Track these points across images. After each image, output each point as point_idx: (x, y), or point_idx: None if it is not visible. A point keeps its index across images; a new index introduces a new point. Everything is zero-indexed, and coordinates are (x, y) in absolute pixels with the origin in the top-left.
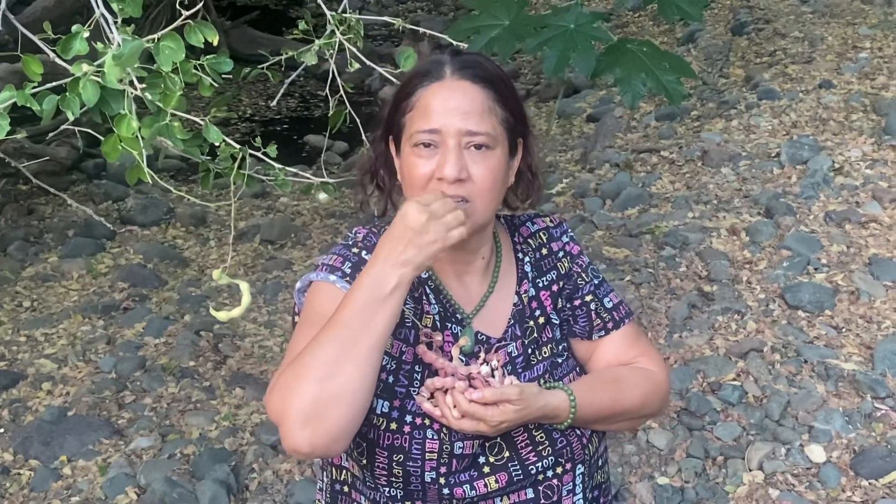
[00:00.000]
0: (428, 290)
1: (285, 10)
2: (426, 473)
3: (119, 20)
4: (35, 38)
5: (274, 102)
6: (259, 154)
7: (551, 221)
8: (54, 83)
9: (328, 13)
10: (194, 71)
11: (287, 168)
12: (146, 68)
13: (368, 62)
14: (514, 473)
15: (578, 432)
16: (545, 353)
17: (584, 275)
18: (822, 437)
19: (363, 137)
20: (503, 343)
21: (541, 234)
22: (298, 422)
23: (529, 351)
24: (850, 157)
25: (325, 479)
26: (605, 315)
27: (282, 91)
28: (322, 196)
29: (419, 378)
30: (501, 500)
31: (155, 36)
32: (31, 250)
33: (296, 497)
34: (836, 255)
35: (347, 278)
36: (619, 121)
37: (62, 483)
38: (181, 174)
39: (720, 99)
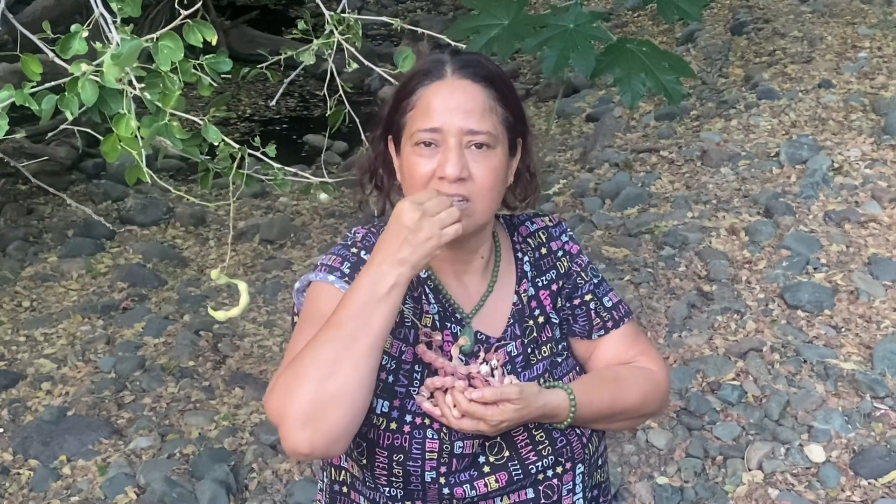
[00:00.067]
0: (427, 290)
1: (284, 9)
2: (426, 473)
3: (118, 20)
4: (34, 38)
5: (273, 102)
6: (258, 154)
7: (550, 221)
8: (53, 83)
9: (326, 13)
10: (193, 70)
11: (286, 168)
12: (145, 68)
13: (367, 62)
14: (514, 473)
15: (578, 432)
16: (545, 352)
17: (583, 274)
18: (821, 437)
19: (362, 137)
20: (503, 342)
21: (540, 233)
22: (298, 423)
23: (529, 350)
24: (850, 156)
25: (324, 480)
26: (604, 314)
27: (281, 91)
28: (323, 196)
29: (419, 378)
30: (501, 500)
31: (154, 35)
32: (30, 250)
33: (295, 497)
34: (836, 254)
35: (346, 278)
36: (618, 120)
37: (62, 483)
38: (180, 174)
39: (719, 98)
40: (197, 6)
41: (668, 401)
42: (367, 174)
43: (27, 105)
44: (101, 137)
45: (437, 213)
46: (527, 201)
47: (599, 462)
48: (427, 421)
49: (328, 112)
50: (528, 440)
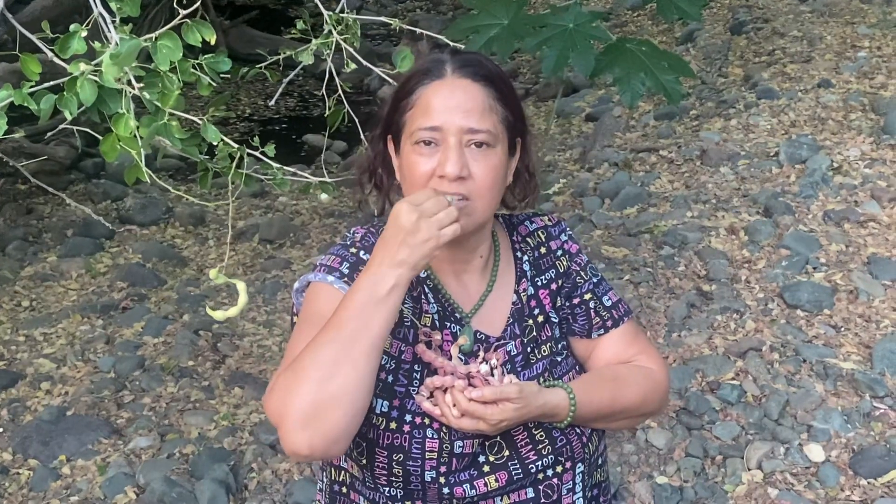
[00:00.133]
0: (427, 289)
1: (284, 9)
2: (426, 473)
3: (117, 19)
4: (33, 38)
5: (272, 102)
6: (257, 153)
7: (549, 220)
8: (52, 82)
9: (325, 13)
10: (192, 70)
11: (285, 167)
12: (144, 67)
13: (365, 62)
14: (514, 472)
15: (578, 431)
16: (544, 351)
17: (582, 273)
18: (820, 437)
19: (362, 137)
20: (502, 342)
21: (539, 232)
22: (297, 424)
23: (528, 349)
24: (849, 156)
25: (324, 480)
26: (604, 313)
27: (280, 90)
28: (323, 196)
29: (418, 377)
30: (501, 500)
31: (153, 35)
32: (29, 250)
33: (294, 497)
34: (835, 254)
35: (346, 279)
36: (617, 120)
37: (61, 483)
38: (180, 173)
39: (719, 98)
40: (196, 6)
41: (668, 400)
42: (366, 174)
43: (26, 105)
44: (100, 137)
45: (435, 214)
46: (526, 201)
47: (599, 461)
48: (427, 420)
49: (327, 112)
50: (527, 439)
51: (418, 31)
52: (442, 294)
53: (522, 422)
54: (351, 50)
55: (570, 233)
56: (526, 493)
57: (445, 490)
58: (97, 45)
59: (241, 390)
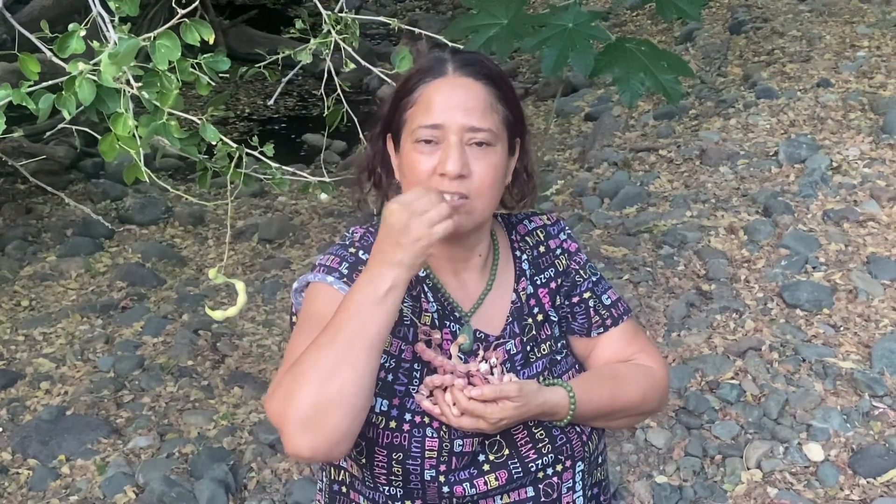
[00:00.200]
0: (426, 288)
1: (283, 8)
2: (426, 472)
3: (116, 19)
4: (32, 37)
5: (271, 101)
6: (256, 153)
7: (548, 219)
8: (51, 82)
9: (324, 13)
10: (191, 70)
11: (285, 167)
12: (143, 67)
13: (364, 62)
14: (513, 471)
15: (578, 429)
16: (544, 350)
17: (582, 272)
18: (820, 436)
19: (361, 136)
20: (502, 340)
21: (538, 231)
22: (299, 427)
23: (528, 348)
24: (848, 155)
25: (323, 480)
26: (603, 312)
27: (279, 90)
28: (323, 196)
29: (418, 376)
30: (501, 498)
31: (151, 34)
32: (29, 249)
33: (294, 496)
34: (835, 253)
35: (345, 279)
36: (617, 120)
37: (61, 482)
38: (179, 173)
39: (718, 98)
40: (194, 5)
41: (668, 399)
42: (365, 173)
43: (25, 104)
44: (99, 137)
45: (426, 212)
46: (524, 202)
47: (599, 460)
48: (426, 419)
49: (326, 111)
50: (527, 438)
51: (417, 30)
52: (441, 293)
53: (522, 420)
54: (350, 49)
55: (569, 232)
56: (526, 492)
57: (445, 489)
58: (96, 44)
59: (240, 390)
